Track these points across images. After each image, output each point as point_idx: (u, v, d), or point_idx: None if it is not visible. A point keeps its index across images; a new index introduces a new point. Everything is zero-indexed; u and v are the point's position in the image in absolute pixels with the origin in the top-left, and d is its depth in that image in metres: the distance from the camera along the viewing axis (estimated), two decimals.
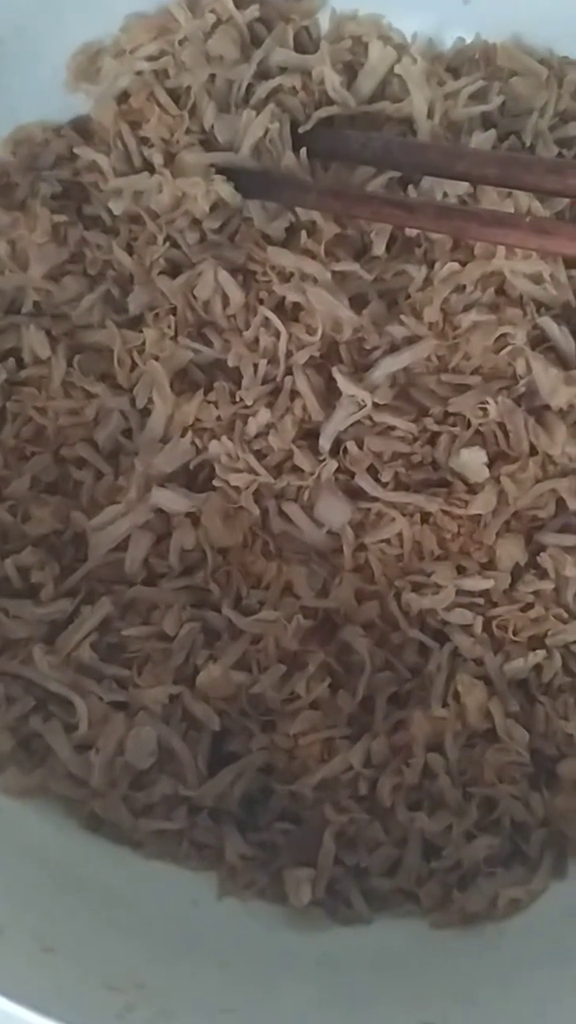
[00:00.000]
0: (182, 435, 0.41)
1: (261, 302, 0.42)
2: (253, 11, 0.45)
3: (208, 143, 0.44)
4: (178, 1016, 0.27)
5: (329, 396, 0.41)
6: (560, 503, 0.40)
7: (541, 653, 0.38)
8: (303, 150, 0.43)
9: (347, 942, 0.34)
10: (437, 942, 0.34)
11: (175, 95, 0.44)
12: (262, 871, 0.36)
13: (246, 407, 0.41)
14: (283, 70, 0.45)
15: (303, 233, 0.42)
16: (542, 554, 0.39)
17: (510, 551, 0.39)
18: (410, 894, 0.36)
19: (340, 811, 0.37)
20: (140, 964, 0.30)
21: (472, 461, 0.39)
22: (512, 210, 0.40)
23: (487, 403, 0.40)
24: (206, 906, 0.35)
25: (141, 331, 0.42)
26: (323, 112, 0.44)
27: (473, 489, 0.39)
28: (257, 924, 0.35)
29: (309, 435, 0.41)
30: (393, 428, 0.40)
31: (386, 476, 0.40)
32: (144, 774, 0.37)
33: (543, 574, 0.39)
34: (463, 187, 0.42)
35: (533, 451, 0.40)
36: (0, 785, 0.36)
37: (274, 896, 0.36)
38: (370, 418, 0.40)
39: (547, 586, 0.39)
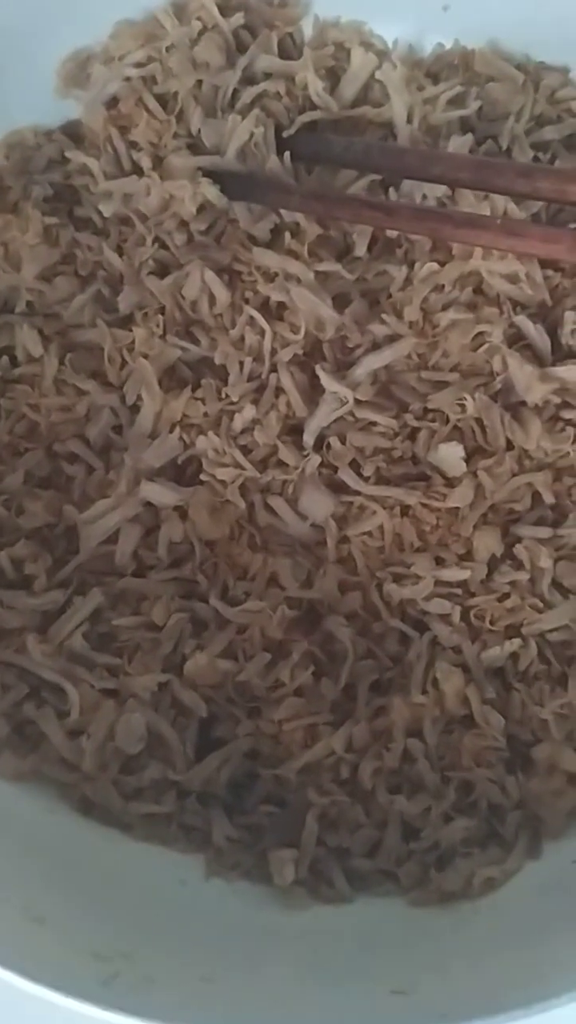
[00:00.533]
0: (170, 431, 0.41)
1: (247, 301, 0.42)
2: (238, 18, 0.45)
3: (195, 147, 0.44)
4: (159, 982, 0.28)
5: (312, 393, 0.41)
6: (535, 496, 0.41)
7: (517, 641, 0.39)
8: (287, 154, 0.44)
9: (328, 920, 0.35)
10: (415, 919, 0.35)
11: (163, 100, 0.45)
12: (247, 852, 0.37)
13: (232, 403, 0.41)
14: (267, 76, 0.46)
15: (287, 234, 0.43)
16: (518, 546, 0.40)
17: (487, 543, 0.40)
18: (390, 874, 0.37)
19: (323, 794, 0.37)
20: (127, 936, 0.31)
21: (450, 456, 0.40)
22: (488, 212, 0.41)
23: (465, 399, 0.40)
24: (193, 886, 0.36)
25: (131, 330, 0.42)
26: (306, 117, 0.45)
27: (451, 483, 0.40)
28: (242, 903, 0.36)
29: (293, 431, 0.41)
30: (374, 424, 0.41)
31: (368, 470, 0.41)
32: (134, 759, 0.38)
33: (519, 565, 0.40)
34: (442, 190, 0.42)
35: (509, 446, 0.40)
36: None
37: (259, 876, 0.37)
38: (352, 414, 0.41)
39: (523, 577, 0.39)
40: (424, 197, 0.43)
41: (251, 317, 0.42)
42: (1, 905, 0.30)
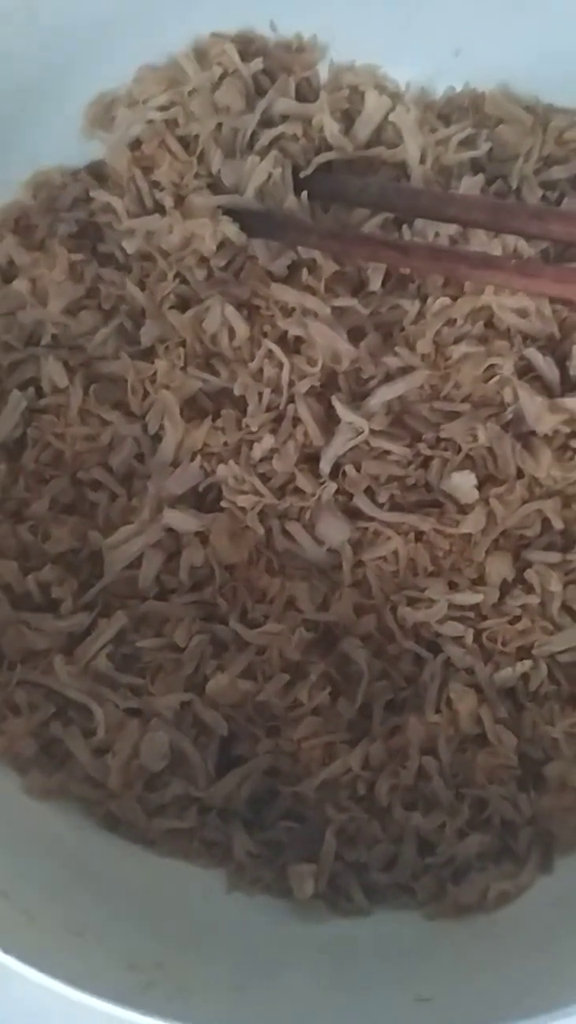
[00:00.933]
0: (191, 459, 0.42)
1: (265, 335, 0.43)
2: (257, 63, 0.47)
3: (215, 186, 0.46)
4: (195, 992, 0.29)
5: (329, 423, 0.42)
6: (545, 522, 0.42)
7: (528, 663, 0.40)
8: (304, 193, 0.45)
9: (347, 932, 0.36)
10: (432, 932, 0.36)
11: (184, 142, 0.46)
12: (268, 867, 0.38)
13: (251, 433, 0.42)
14: (285, 118, 0.47)
15: (304, 270, 0.44)
16: (528, 570, 0.41)
17: (498, 567, 0.41)
18: (406, 888, 0.38)
19: (341, 810, 0.38)
20: (159, 948, 0.32)
21: (463, 483, 0.41)
22: (499, 249, 0.42)
23: (476, 429, 0.41)
24: (216, 900, 0.37)
25: (153, 362, 0.43)
26: (322, 157, 0.46)
27: (464, 510, 0.41)
28: (263, 917, 0.37)
29: (310, 459, 0.42)
30: (389, 452, 0.42)
31: (382, 497, 0.42)
32: (157, 776, 0.39)
33: (529, 589, 0.41)
34: (454, 227, 0.43)
35: (520, 474, 0.41)
36: (24, 787, 0.38)
37: (279, 890, 0.37)
38: (367, 443, 0.42)
39: (533, 600, 0.40)
40: (437, 235, 0.44)
41: (269, 350, 0.43)
42: (43, 920, 0.31)
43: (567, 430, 0.42)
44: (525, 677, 0.40)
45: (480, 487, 0.41)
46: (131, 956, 0.30)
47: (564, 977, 0.30)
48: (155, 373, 0.44)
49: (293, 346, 0.44)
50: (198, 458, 0.43)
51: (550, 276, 0.36)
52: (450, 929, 0.36)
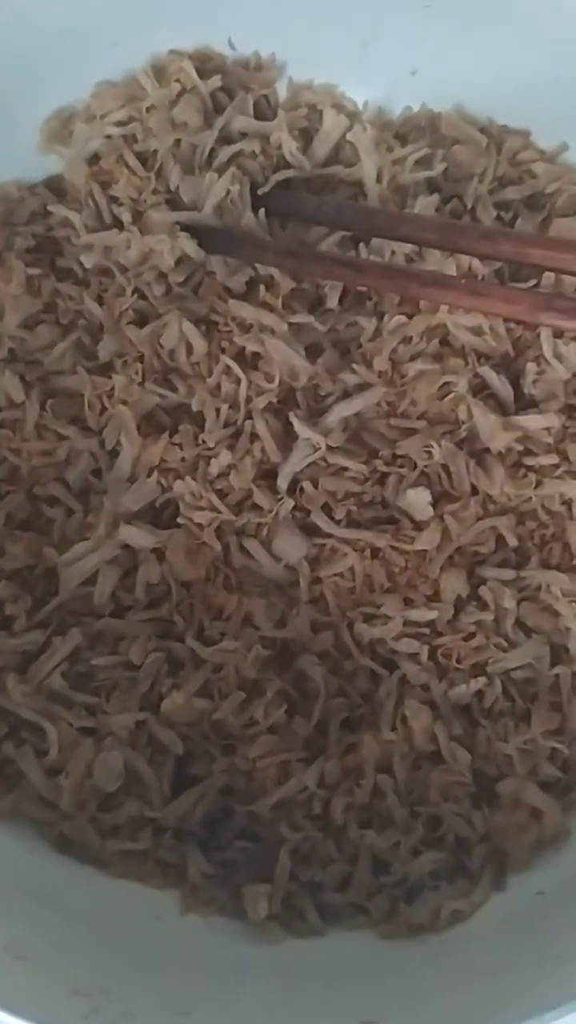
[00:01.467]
0: (148, 475, 0.42)
1: (223, 351, 0.43)
2: (215, 81, 0.47)
3: (173, 203, 0.46)
4: (138, 1018, 0.29)
5: (286, 439, 0.43)
6: (499, 539, 0.42)
7: (482, 679, 0.40)
8: (262, 210, 0.45)
9: (301, 953, 0.36)
10: (385, 952, 0.36)
11: (143, 158, 0.46)
12: (222, 888, 0.38)
13: (209, 449, 0.42)
14: (243, 135, 0.47)
15: (262, 287, 0.44)
16: (483, 587, 0.41)
17: (453, 584, 0.41)
18: (360, 907, 0.38)
19: (295, 829, 0.38)
20: (105, 973, 0.32)
21: (418, 500, 0.41)
22: (454, 268, 0.43)
23: (432, 446, 0.42)
24: (169, 921, 0.37)
25: (110, 377, 0.43)
26: (280, 175, 0.46)
27: (419, 526, 0.41)
28: (217, 937, 0.37)
29: (268, 475, 0.42)
30: (346, 469, 0.42)
31: (339, 514, 0.42)
32: (111, 796, 0.38)
33: (484, 606, 0.41)
34: (410, 246, 0.44)
35: (474, 491, 0.42)
36: None
37: (233, 911, 0.37)
38: (324, 460, 0.42)
39: (488, 617, 0.41)
40: (393, 253, 0.44)
41: (227, 366, 0.43)
42: None
43: (520, 448, 0.42)
44: (479, 694, 0.41)
45: (435, 504, 0.42)
46: (75, 981, 0.30)
47: (507, 1000, 0.30)
48: (112, 388, 0.44)
49: (251, 362, 0.44)
50: (155, 474, 0.43)
51: (498, 296, 0.37)
52: (402, 949, 0.36)
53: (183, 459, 0.43)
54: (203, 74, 0.47)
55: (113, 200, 0.46)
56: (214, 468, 0.42)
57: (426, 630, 0.41)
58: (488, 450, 0.42)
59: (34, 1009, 0.27)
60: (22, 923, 0.34)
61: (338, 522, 0.42)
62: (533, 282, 0.43)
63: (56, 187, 0.48)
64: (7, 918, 0.34)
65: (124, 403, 0.43)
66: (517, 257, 0.37)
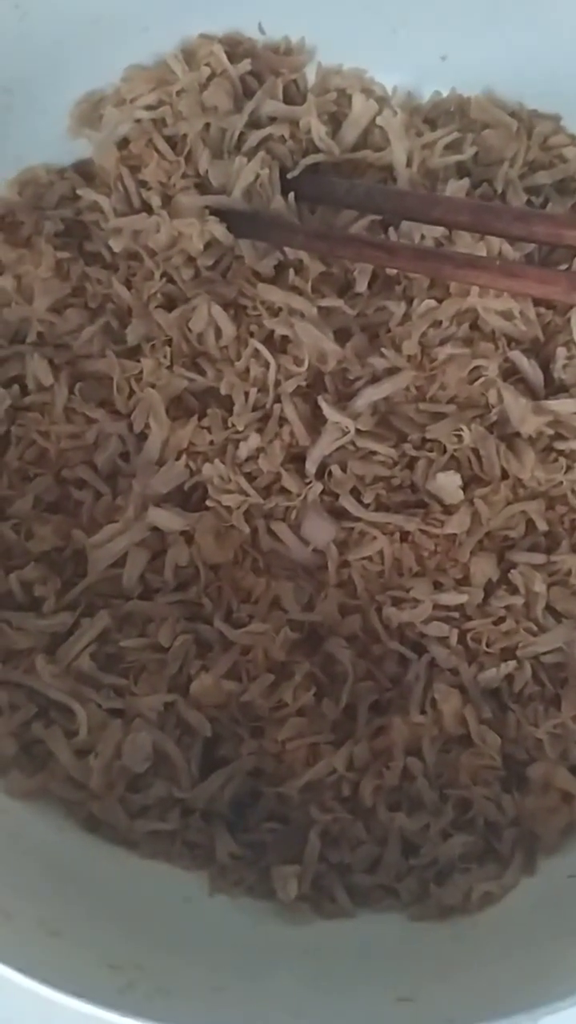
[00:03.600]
0: (177, 458, 0.42)
1: (251, 335, 0.43)
2: (245, 65, 0.47)
3: (202, 187, 0.46)
4: (174, 993, 0.29)
5: (315, 423, 0.43)
6: (529, 524, 0.42)
7: (512, 664, 0.40)
8: (291, 194, 0.45)
9: (331, 934, 0.36)
10: (415, 933, 0.36)
11: (172, 142, 0.46)
12: (251, 869, 0.38)
13: (237, 432, 0.42)
14: (273, 120, 0.47)
15: (291, 271, 0.44)
16: (513, 571, 0.41)
17: (483, 568, 0.41)
18: (390, 889, 0.37)
19: (324, 811, 0.38)
20: (137, 949, 0.32)
21: (448, 484, 0.41)
22: (484, 252, 0.43)
23: (462, 430, 0.42)
24: (198, 902, 0.37)
25: (139, 361, 0.43)
26: (310, 159, 0.46)
27: (449, 510, 0.41)
28: (246, 919, 0.36)
29: (296, 459, 0.42)
30: (374, 453, 0.42)
31: (368, 498, 0.42)
32: (140, 777, 0.38)
33: (514, 590, 0.41)
34: (440, 230, 0.44)
35: (504, 475, 0.42)
36: (4, 787, 0.37)
37: (262, 892, 0.37)
38: (353, 443, 0.42)
39: (518, 601, 0.41)
40: (423, 237, 0.44)
41: (256, 349, 0.43)
42: (20, 919, 0.31)
43: (551, 432, 0.42)
44: (509, 678, 0.40)
45: (465, 488, 0.41)
46: (110, 956, 0.30)
47: (544, 978, 0.30)
48: (141, 372, 0.44)
49: (279, 346, 0.44)
50: (183, 457, 0.43)
51: (534, 277, 0.36)
52: (433, 930, 0.36)
53: (211, 442, 0.43)
54: (233, 58, 0.47)
55: (142, 184, 0.47)
56: (243, 451, 0.42)
57: (456, 614, 0.41)
58: (518, 434, 0.42)
59: (72, 983, 0.27)
60: (54, 900, 0.34)
61: (367, 506, 0.42)
62: (565, 267, 0.43)
63: (85, 171, 0.48)
64: (39, 895, 0.34)
65: (152, 386, 0.43)
66: (552, 239, 0.36)
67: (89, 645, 0.40)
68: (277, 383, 0.43)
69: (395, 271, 0.45)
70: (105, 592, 0.42)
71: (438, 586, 0.41)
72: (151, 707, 0.39)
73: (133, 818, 0.38)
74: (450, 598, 0.41)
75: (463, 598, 0.41)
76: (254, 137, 0.46)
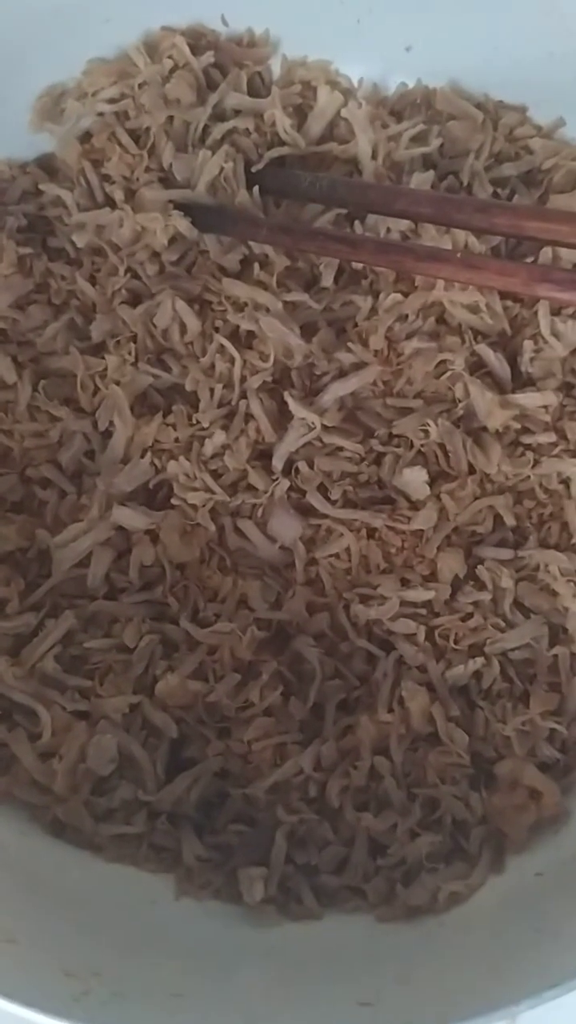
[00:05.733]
0: (142, 456, 0.42)
1: (217, 330, 0.43)
2: (208, 57, 0.46)
3: (166, 181, 0.45)
4: (130, 998, 0.29)
5: (281, 419, 0.42)
6: (497, 519, 0.42)
7: (480, 660, 0.40)
8: (256, 188, 0.45)
9: (297, 937, 0.36)
10: (382, 935, 0.36)
11: (135, 135, 0.46)
12: (217, 871, 0.37)
13: (203, 429, 0.42)
14: (237, 113, 0.47)
15: (256, 265, 0.44)
16: (480, 567, 0.41)
17: (450, 564, 0.41)
18: (357, 890, 0.37)
19: (291, 812, 0.38)
20: (98, 955, 0.31)
21: (414, 480, 0.41)
22: (449, 245, 0.42)
23: (428, 425, 0.41)
24: (164, 905, 0.36)
25: (103, 357, 0.43)
26: (274, 152, 0.46)
27: (416, 506, 0.41)
28: (213, 921, 0.36)
29: (263, 455, 0.42)
30: (341, 449, 0.42)
31: (335, 494, 0.41)
32: (105, 780, 0.38)
33: (481, 586, 0.41)
34: (405, 224, 0.43)
35: (471, 470, 0.42)
36: None
37: (229, 895, 0.37)
38: (320, 439, 0.42)
39: (485, 597, 0.40)
40: (388, 231, 0.44)
41: (221, 345, 0.43)
42: None
43: (518, 426, 0.42)
44: (477, 675, 0.40)
45: (432, 483, 0.41)
46: (67, 963, 0.30)
47: (504, 979, 0.30)
48: (105, 369, 0.43)
49: (245, 341, 0.43)
50: (148, 454, 0.42)
51: (494, 269, 0.36)
52: (399, 932, 0.35)
53: (177, 440, 0.42)
54: (196, 50, 0.46)
55: (105, 178, 0.46)
56: (208, 448, 0.42)
57: (423, 611, 0.41)
58: (485, 429, 0.42)
59: (25, 992, 0.27)
60: (13, 906, 0.33)
61: (334, 502, 0.42)
62: (531, 259, 0.42)
63: (47, 165, 0.48)
64: None
65: (117, 384, 0.43)
66: (514, 230, 0.36)
67: (54, 646, 0.40)
68: (243, 379, 0.42)
69: (361, 265, 0.44)
70: (70, 592, 0.41)
71: (405, 583, 0.41)
72: (116, 709, 0.39)
73: (98, 821, 0.38)
74: (417, 595, 0.40)
75: (430, 595, 0.40)
76: (218, 130, 0.46)
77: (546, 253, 0.42)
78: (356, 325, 0.44)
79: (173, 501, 0.42)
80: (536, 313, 0.43)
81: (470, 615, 0.40)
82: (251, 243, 0.44)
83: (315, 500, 0.41)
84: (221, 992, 0.31)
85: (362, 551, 0.41)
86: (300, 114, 0.48)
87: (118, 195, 0.45)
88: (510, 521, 0.42)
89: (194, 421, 0.42)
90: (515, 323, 0.43)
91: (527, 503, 0.42)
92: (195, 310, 0.43)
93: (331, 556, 0.41)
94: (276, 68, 0.49)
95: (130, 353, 0.43)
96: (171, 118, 0.46)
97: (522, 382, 0.43)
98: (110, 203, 0.45)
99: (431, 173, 0.45)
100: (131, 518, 0.41)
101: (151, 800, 0.38)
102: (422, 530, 0.41)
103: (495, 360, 0.42)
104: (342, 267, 0.45)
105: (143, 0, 0.46)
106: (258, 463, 0.42)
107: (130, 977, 0.30)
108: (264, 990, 0.31)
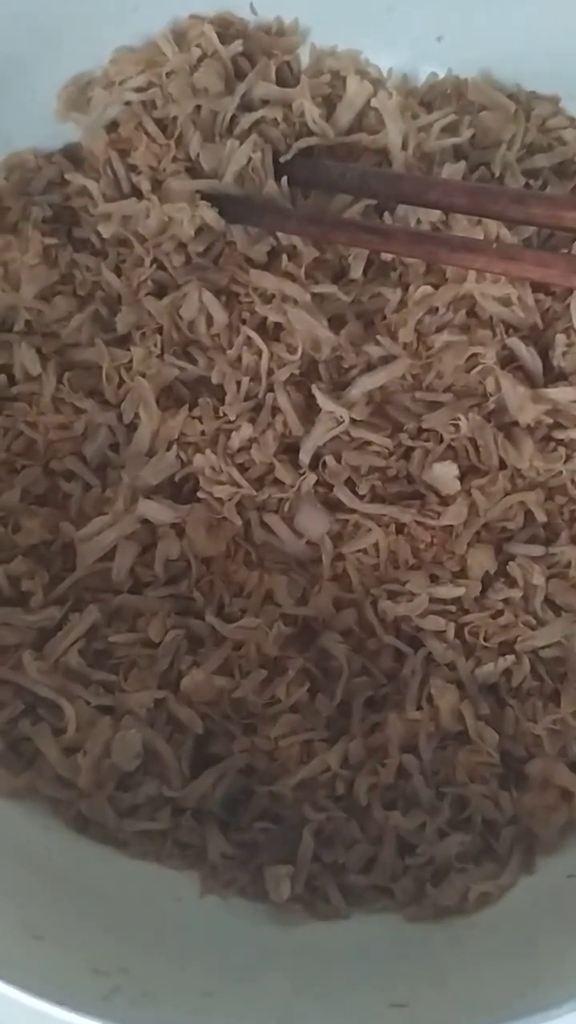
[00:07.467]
0: (167, 449, 0.42)
1: (244, 322, 0.43)
2: (237, 46, 0.46)
3: (193, 171, 0.45)
4: (160, 998, 0.28)
5: (309, 412, 0.42)
6: (528, 515, 0.41)
7: (510, 658, 0.39)
8: (284, 178, 0.45)
9: (324, 936, 0.35)
10: (411, 935, 0.35)
11: (162, 125, 0.46)
12: (243, 869, 0.37)
13: (229, 422, 0.42)
14: (265, 102, 0.46)
15: (284, 257, 0.44)
16: (511, 563, 0.40)
17: (480, 560, 0.40)
18: (385, 889, 0.37)
19: (318, 810, 0.38)
20: (125, 952, 0.31)
21: (444, 474, 0.40)
22: (481, 236, 0.42)
23: (459, 419, 0.41)
24: (189, 903, 0.36)
25: (128, 349, 0.43)
26: (303, 142, 0.46)
27: (445, 501, 0.41)
28: (238, 919, 0.36)
29: (290, 449, 0.42)
30: (370, 443, 0.41)
31: (363, 489, 0.41)
32: (129, 776, 0.38)
33: (512, 582, 0.40)
34: (436, 214, 0.43)
35: (502, 465, 0.41)
36: None
37: (254, 893, 0.37)
38: (348, 433, 0.41)
39: (516, 594, 0.40)
40: (419, 222, 0.43)
41: (248, 337, 0.42)
42: (2, 922, 0.30)
43: (550, 421, 0.41)
44: (507, 673, 0.40)
45: (462, 478, 0.41)
46: (95, 960, 0.29)
47: (540, 981, 0.29)
48: (131, 360, 0.43)
49: (272, 333, 0.43)
50: (174, 447, 0.42)
51: (531, 260, 0.35)
52: (428, 932, 0.35)
53: (203, 433, 0.42)
54: (224, 39, 0.46)
55: (132, 168, 0.46)
56: (235, 442, 0.41)
57: (452, 607, 0.40)
58: (516, 423, 0.42)
59: (54, 990, 0.26)
60: (39, 902, 0.33)
61: (362, 497, 0.41)
62: (565, 250, 0.42)
63: (73, 155, 0.47)
64: (24, 897, 0.33)
65: (143, 376, 0.42)
66: (551, 220, 0.35)
67: (78, 640, 0.39)
68: (270, 371, 0.42)
69: (391, 257, 0.44)
70: (94, 586, 0.41)
71: (434, 579, 0.40)
72: (141, 704, 0.39)
73: (122, 817, 0.38)
74: (447, 591, 0.40)
75: (460, 591, 0.40)
76: (246, 120, 0.45)
77: None
78: (385, 318, 0.43)
79: (199, 495, 0.41)
80: (568, 307, 0.42)
81: (500, 612, 0.40)
82: (279, 234, 0.44)
83: (343, 495, 0.41)
84: (251, 991, 0.30)
85: (390, 546, 0.41)
86: (329, 104, 0.47)
87: (144, 185, 0.45)
88: (541, 517, 0.41)
89: (220, 414, 0.42)
90: (547, 316, 0.43)
91: (558, 499, 0.41)
92: (222, 302, 0.43)
93: (359, 551, 0.41)
94: (305, 57, 0.48)
95: (156, 345, 0.43)
96: (199, 107, 0.45)
97: (554, 376, 0.42)
98: (136, 193, 0.45)
99: (462, 164, 0.45)
100: (157, 511, 0.41)
101: (176, 796, 0.38)
102: (452, 525, 0.40)
103: (527, 354, 0.42)
104: (371, 259, 0.44)
105: None
106: (285, 457, 0.41)
107: (158, 975, 0.30)
108: (294, 989, 0.31)
